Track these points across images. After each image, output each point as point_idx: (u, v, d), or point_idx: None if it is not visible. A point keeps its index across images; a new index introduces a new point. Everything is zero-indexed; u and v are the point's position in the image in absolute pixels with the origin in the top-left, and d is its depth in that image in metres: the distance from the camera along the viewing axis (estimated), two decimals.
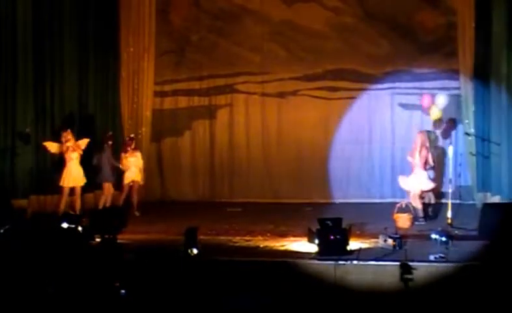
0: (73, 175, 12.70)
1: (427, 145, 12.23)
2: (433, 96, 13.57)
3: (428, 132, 13.01)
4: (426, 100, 13.59)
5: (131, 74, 15.30)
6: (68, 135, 12.68)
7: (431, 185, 12.35)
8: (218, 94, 15.74)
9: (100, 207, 13.02)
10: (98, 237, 10.42)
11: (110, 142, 13.32)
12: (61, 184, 12.67)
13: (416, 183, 12.20)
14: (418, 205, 12.13)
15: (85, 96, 14.21)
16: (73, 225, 10.63)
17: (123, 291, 8.24)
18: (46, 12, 13.50)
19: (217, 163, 15.73)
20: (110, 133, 13.63)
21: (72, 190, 12.82)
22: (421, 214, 12.10)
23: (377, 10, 15.03)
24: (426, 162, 12.22)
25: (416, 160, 12.17)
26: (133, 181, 13.60)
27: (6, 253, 9.55)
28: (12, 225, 10.91)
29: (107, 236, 10.30)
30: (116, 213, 11.55)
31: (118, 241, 10.40)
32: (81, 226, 10.67)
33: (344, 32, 15.18)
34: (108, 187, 13.32)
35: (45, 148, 12.86)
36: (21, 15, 12.87)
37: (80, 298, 8.43)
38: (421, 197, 12.39)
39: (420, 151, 12.13)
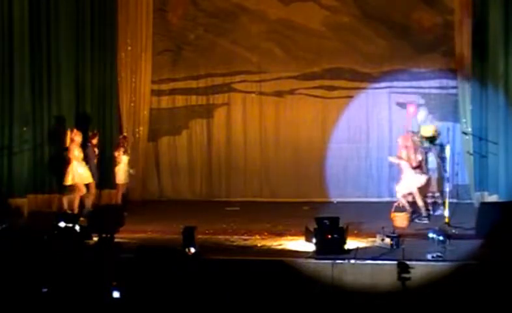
0: (80, 173, 12.62)
1: (408, 144, 12.32)
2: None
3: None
4: (412, 109, 13.52)
5: (128, 73, 15.29)
6: (75, 135, 12.65)
7: (424, 179, 12.33)
8: (215, 93, 15.73)
9: (90, 206, 12.83)
10: (96, 236, 10.41)
11: (94, 141, 13.25)
12: (66, 182, 12.61)
13: (411, 182, 12.22)
14: (420, 202, 12.16)
15: (82, 95, 14.19)
16: (70, 225, 10.62)
17: (117, 292, 8.21)
18: (43, 10, 13.48)
19: (214, 163, 15.72)
20: (95, 131, 13.55)
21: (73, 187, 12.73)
22: (424, 213, 12.14)
23: (374, 9, 15.03)
24: (419, 165, 12.34)
25: (402, 161, 12.30)
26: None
27: (3, 253, 9.53)
28: (8, 225, 10.91)
29: (104, 235, 10.29)
30: (113, 212, 11.55)
31: (116, 240, 10.39)
32: (78, 225, 10.66)
33: (341, 32, 15.18)
34: (91, 187, 13.07)
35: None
36: (17, 14, 12.84)
37: (75, 298, 8.42)
38: (425, 195, 12.53)
39: (400, 153, 12.31)
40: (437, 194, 12.91)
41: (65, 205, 12.62)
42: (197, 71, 15.69)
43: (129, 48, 15.24)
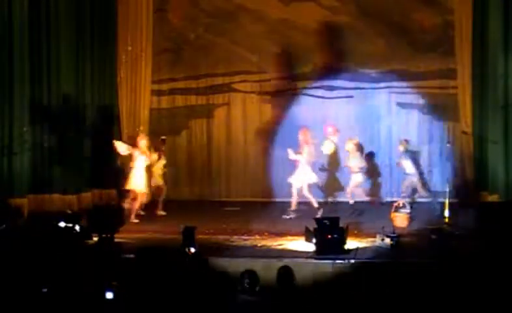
0: (136, 180, 12.63)
1: (310, 141, 12.88)
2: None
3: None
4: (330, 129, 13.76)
5: (128, 73, 15.29)
6: (141, 139, 12.71)
7: (315, 178, 12.97)
8: (215, 93, 15.74)
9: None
10: (96, 236, 10.41)
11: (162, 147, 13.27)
12: (127, 187, 12.69)
13: (303, 177, 12.74)
14: (311, 197, 12.73)
15: (82, 95, 14.17)
16: (70, 225, 10.62)
17: (111, 293, 8.19)
18: (43, 10, 13.47)
19: (214, 163, 15.73)
20: (163, 137, 13.67)
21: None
22: (293, 207, 12.70)
23: (374, 9, 15.05)
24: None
25: (301, 156, 12.78)
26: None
27: (3, 253, 9.53)
28: (9, 225, 10.90)
29: (104, 235, 10.28)
30: (113, 212, 11.54)
31: (116, 240, 10.38)
32: (78, 225, 10.66)
33: (341, 31, 15.18)
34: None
35: (113, 146, 12.88)
36: (17, 15, 12.80)
37: (74, 298, 8.40)
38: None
39: (302, 147, 12.78)
40: (407, 196, 13.26)
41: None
42: (197, 71, 15.70)
43: (129, 48, 15.23)
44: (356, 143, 13.54)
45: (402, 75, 15.00)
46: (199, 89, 15.75)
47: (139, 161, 12.67)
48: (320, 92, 15.37)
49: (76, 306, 8.18)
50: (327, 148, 13.52)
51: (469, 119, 13.98)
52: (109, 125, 14.72)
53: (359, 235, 10.84)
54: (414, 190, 13.51)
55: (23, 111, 12.96)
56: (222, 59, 15.60)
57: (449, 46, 14.55)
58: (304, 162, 12.80)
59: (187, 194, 15.68)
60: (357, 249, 9.89)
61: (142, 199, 12.82)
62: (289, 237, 10.95)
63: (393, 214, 11.79)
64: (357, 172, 13.38)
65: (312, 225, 10.12)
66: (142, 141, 12.76)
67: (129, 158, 12.86)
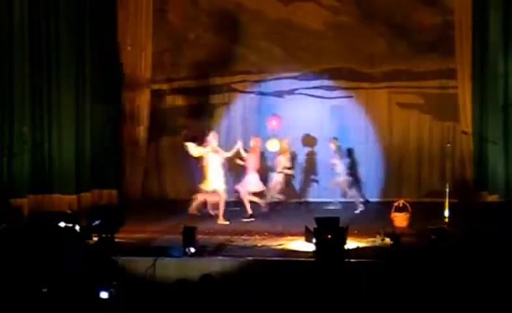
0: (217, 179, 12.57)
1: (258, 151, 13.17)
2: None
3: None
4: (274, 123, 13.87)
5: (128, 73, 15.28)
6: (214, 138, 12.62)
7: (261, 187, 13.18)
8: (215, 93, 15.73)
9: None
10: (96, 236, 10.41)
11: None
12: (203, 187, 12.70)
13: (251, 184, 12.95)
14: (248, 204, 12.88)
15: (82, 95, 14.18)
16: (70, 225, 10.61)
17: (106, 293, 8.19)
18: (43, 10, 13.47)
19: None
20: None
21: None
22: (249, 212, 12.80)
23: (374, 9, 15.05)
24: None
25: (249, 162, 12.99)
26: None
27: (3, 253, 9.53)
28: (9, 225, 10.90)
29: (104, 235, 10.28)
30: (113, 212, 11.53)
31: (116, 241, 10.39)
32: (79, 225, 10.65)
33: (341, 31, 15.19)
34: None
35: (186, 147, 12.79)
36: (17, 15, 12.81)
37: (74, 298, 8.41)
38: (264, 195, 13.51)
39: (249, 153, 13.03)
40: (345, 193, 13.72)
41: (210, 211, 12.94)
42: (197, 71, 15.69)
43: (129, 48, 15.24)
44: (288, 142, 13.71)
45: (402, 75, 15.00)
46: (199, 88, 15.74)
47: (213, 160, 12.53)
48: (320, 92, 15.37)
49: (76, 306, 8.19)
50: (272, 146, 13.49)
51: (469, 119, 14.00)
52: (109, 125, 14.73)
53: (359, 235, 10.84)
54: (344, 192, 13.76)
55: (23, 111, 12.97)
56: (222, 59, 15.58)
57: (449, 46, 14.56)
58: (252, 169, 12.91)
59: (187, 194, 15.64)
60: (357, 249, 9.89)
61: (223, 198, 12.65)
62: (289, 237, 10.95)
63: (393, 214, 11.79)
64: (279, 172, 13.53)
65: (313, 225, 10.11)
66: (214, 140, 12.62)
67: (200, 158, 12.78)
